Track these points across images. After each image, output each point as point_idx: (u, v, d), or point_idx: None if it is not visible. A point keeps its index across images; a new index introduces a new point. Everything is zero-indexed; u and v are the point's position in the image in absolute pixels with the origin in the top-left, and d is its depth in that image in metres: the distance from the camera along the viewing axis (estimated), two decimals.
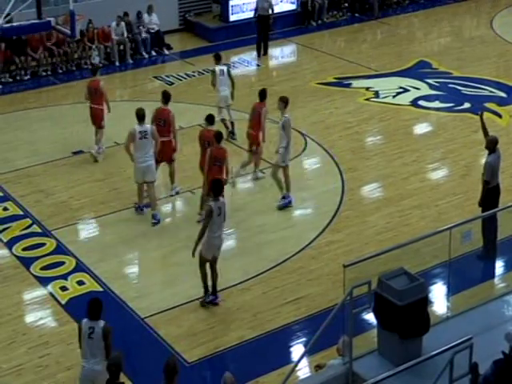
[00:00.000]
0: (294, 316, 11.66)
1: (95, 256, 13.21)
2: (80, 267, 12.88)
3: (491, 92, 19.46)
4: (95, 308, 9.55)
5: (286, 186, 14.65)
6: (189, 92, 20.16)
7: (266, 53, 22.77)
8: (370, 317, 10.55)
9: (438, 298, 11.83)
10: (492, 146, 12.64)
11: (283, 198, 14.65)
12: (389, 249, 10.73)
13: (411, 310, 9.57)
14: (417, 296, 9.74)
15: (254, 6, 23.11)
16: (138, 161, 13.85)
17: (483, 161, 15.42)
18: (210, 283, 11.92)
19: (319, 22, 24.93)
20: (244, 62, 22.58)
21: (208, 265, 11.83)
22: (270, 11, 22.44)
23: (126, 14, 22.25)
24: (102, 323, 9.48)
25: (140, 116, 13.82)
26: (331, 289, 11.82)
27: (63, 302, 12.06)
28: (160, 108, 14.88)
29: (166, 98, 14.78)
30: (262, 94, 15.30)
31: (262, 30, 22.44)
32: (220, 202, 11.64)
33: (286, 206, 14.61)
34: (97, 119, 16.17)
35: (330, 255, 13.01)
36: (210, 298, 11.94)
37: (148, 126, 13.85)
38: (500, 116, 18.00)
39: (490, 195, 12.72)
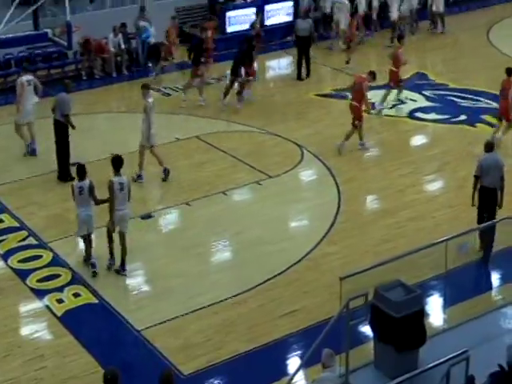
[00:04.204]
0: (290, 328, 11.61)
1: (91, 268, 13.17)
2: (76, 279, 12.84)
3: (487, 104, 19.49)
4: (82, 171, 12.59)
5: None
6: (186, 103, 20.12)
7: (308, 74, 21.78)
8: (366, 329, 10.54)
9: (435, 309, 11.83)
10: (485, 148, 13.25)
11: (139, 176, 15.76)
12: (385, 261, 10.73)
13: (408, 322, 9.57)
14: (413, 308, 9.74)
15: (251, 19, 23.28)
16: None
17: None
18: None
19: (316, 34, 24.89)
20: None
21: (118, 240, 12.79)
22: (310, 32, 21.78)
23: (123, 24, 22.25)
24: (87, 182, 12.54)
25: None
26: (328, 301, 11.78)
27: (59, 315, 12.00)
28: None
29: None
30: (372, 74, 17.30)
31: (303, 52, 21.62)
32: (122, 178, 12.56)
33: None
34: None
35: (327, 267, 12.99)
36: (116, 267, 12.91)
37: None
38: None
39: (480, 194, 13.10)
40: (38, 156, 17.00)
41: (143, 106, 15.65)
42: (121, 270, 13.03)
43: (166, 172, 15.95)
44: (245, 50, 19.76)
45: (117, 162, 12.67)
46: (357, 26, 23.43)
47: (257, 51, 20.73)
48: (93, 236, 13.14)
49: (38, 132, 17.26)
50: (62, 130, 15.95)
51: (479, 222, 13.19)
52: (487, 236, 12.98)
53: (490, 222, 12.88)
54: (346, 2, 24.24)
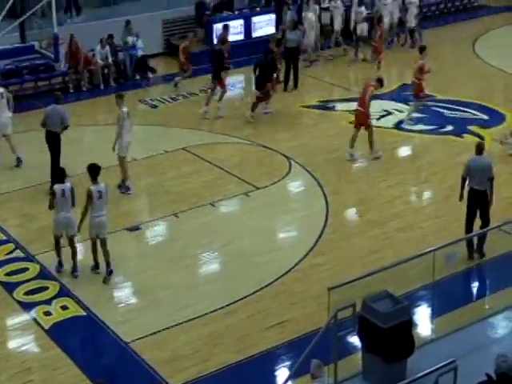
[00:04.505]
0: (278, 339, 11.59)
1: (79, 280, 13.13)
2: (64, 292, 12.79)
3: (474, 115, 19.58)
4: (61, 174, 13.03)
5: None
6: (173, 115, 20.18)
7: (296, 86, 21.72)
8: (354, 340, 10.54)
9: (423, 320, 11.85)
10: (476, 150, 13.51)
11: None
12: (373, 271, 10.75)
13: (395, 333, 9.58)
14: (401, 319, 9.76)
15: (240, 30, 23.37)
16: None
17: (466, 183, 15.60)
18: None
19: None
20: (228, 86, 22.59)
21: (99, 244, 13.00)
22: (298, 43, 21.92)
23: (110, 36, 22.25)
24: (68, 184, 12.92)
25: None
26: (316, 312, 11.78)
27: (47, 327, 11.95)
28: None
29: None
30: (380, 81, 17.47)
31: (291, 63, 21.61)
32: (100, 185, 12.77)
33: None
34: None
35: (315, 278, 12.99)
36: (107, 273, 13.05)
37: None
38: (483, 138, 18.06)
39: (469, 197, 13.40)
40: (28, 168, 16.95)
41: (117, 116, 15.71)
42: (107, 274, 13.10)
43: (125, 186, 15.95)
44: (269, 65, 19.79)
45: (93, 170, 12.90)
46: (381, 35, 23.31)
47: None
48: (76, 239, 13.26)
49: (29, 145, 17.25)
50: (56, 141, 15.99)
51: (467, 223, 13.38)
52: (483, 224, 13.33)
53: (479, 232, 13.03)
54: (340, 7, 24.49)
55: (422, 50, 19.52)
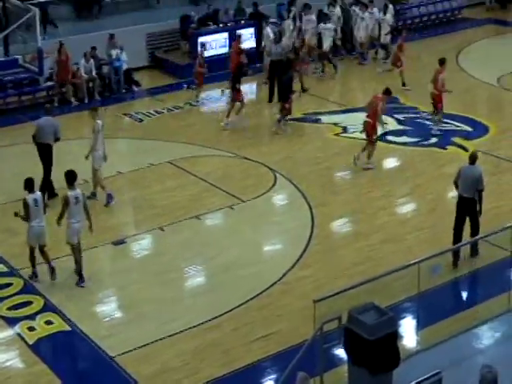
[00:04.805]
0: (264, 352, 11.56)
1: (63, 295, 13.07)
2: (48, 307, 12.72)
3: (457, 127, 19.67)
4: (31, 184, 13.04)
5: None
6: (158, 129, 20.18)
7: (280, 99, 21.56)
8: (340, 352, 10.53)
9: (408, 331, 11.86)
10: (469, 159, 13.66)
11: (93, 194, 16.00)
12: (359, 283, 10.78)
13: (381, 345, 9.57)
14: (387, 330, 9.75)
15: (224, 43, 23.47)
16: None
17: (451, 194, 15.71)
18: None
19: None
20: (212, 99, 22.67)
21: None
22: (283, 56, 21.85)
23: (93, 48, 22.23)
24: (39, 193, 13.20)
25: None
26: (302, 324, 11.73)
27: (31, 343, 11.87)
28: None
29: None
30: (387, 91, 17.62)
31: (275, 75, 21.46)
32: (77, 191, 12.96)
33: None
34: None
35: (301, 290, 12.98)
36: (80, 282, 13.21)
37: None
38: (466, 150, 18.13)
39: (457, 203, 13.60)
40: (11, 182, 16.87)
41: (92, 127, 15.83)
42: (80, 283, 13.28)
43: (94, 195, 16.06)
44: (290, 76, 19.95)
45: (70, 176, 13.09)
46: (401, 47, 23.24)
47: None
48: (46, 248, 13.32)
49: (12, 159, 17.18)
50: (49, 152, 16.07)
51: (456, 230, 13.51)
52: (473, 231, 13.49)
53: (464, 243, 13.12)
54: (330, 27, 24.57)
55: (443, 62, 19.49)
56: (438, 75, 19.17)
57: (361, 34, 25.12)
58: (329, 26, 24.39)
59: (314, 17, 24.90)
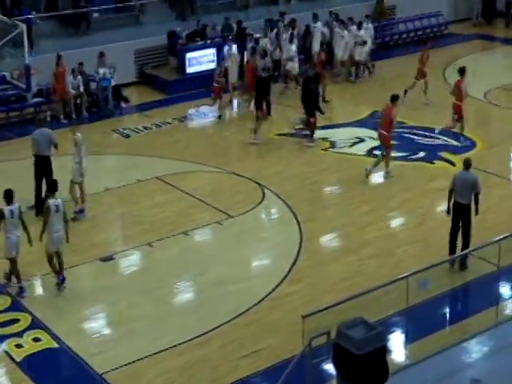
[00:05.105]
0: (253, 368, 11.54)
1: (51, 312, 13.02)
2: (36, 324, 12.66)
3: (445, 141, 19.74)
4: (10, 195, 13.10)
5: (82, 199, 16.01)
6: (146, 145, 20.17)
7: (269, 114, 21.65)
8: (329, 367, 10.49)
9: (397, 346, 11.86)
10: (463, 164, 14.04)
11: (80, 211, 15.94)
12: (347, 298, 10.77)
13: (370, 360, 9.54)
14: (375, 345, 9.72)
15: (212, 58, 23.66)
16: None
17: (439, 209, 15.77)
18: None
19: (276, 73, 25.08)
20: (201, 114, 22.70)
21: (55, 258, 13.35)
22: (269, 72, 21.98)
23: (80, 64, 22.23)
24: (16, 205, 13.17)
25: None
26: (290, 340, 11.71)
27: (18, 360, 11.80)
28: None
29: None
30: (394, 98, 17.72)
31: (262, 92, 21.38)
32: (57, 200, 13.29)
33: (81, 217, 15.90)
34: None
35: (289, 306, 12.96)
36: (59, 280, 13.43)
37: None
38: (454, 164, 18.26)
39: (453, 209, 13.86)
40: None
41: (74, 141, 15.93)
42: (61, 283, 13.48)
43: (82, 212, 16.08)
44: (318, 91, 20.23)
45: (51, 186, 13.73)
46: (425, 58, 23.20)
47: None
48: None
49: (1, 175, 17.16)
50: (47, 164, 16.15)
51: (451, 235, 13.82)
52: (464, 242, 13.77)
53: (458, 254, 13.22)
54: (319, 27, 24.95)
55: (463, 71, 19.57)
56: (458, 85, 19.33)
57: (341, 52, 25.11)
58: (293, 47, 24.29)
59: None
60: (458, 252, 13.71)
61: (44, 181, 16.12)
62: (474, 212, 13.79)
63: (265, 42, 24.44)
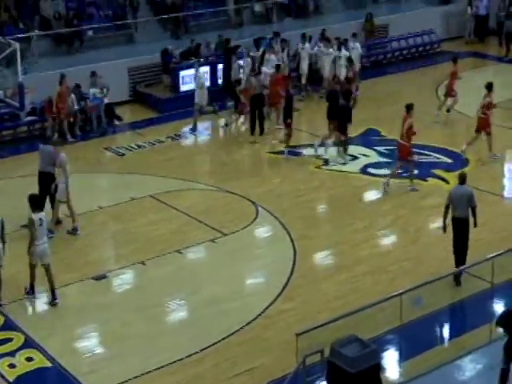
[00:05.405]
0: None
1: (44, 331, 12.96)
2: (29, 343, 12.59)
3: (438, 158, 19.78)
4: None
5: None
6: (140, 163, 20.17)
7: (262, 132, 21.77)
8: None
9: (391, 363, 11.83)
10: (458, 179, 14.21)
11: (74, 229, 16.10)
12: (341, 316, 10.77)
13: (364, 377, 9.55)
14: (369, 363, 9.75)
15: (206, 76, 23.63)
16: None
17: (432, 226, 15.80)
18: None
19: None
20: (194, 132, 22.72)
21: (44, 271, 13.57)
22: (263, 89, 22.05)
23: (77, 86, 22.28)
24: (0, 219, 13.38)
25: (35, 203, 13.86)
26: (284, 357, 11.66)
27: (11, 380, 11.73)
28: None
29: None
30: (409, 107, 17.90)
31: (256, 109, 21.68)
32: (40, 213, 13.51)
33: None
34: None
35: (283, 324, 12.93)
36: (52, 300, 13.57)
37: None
38: (447, 182, 18.29)
39: (453, 225, 13.96)
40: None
41: (59, 162, 15.88)
42: (53, 301, 13.57)
43: (75, 230, 16.08)
44: (350, 107, 20.30)
45: (34, 201, 13.74)
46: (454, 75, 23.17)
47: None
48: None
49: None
50: (48, 181, 16.15)
51: (455, 250, 13.90)
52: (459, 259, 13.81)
53: (454, 271, 13.24)
54: (307, 48, 25.00)
55: (491, 86, 19.70)
56: (486, 99, 19.51)
57: (326, 70, 25.11)
58: (265, 69, 23.82)
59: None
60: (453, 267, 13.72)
61: (48, 198, 16.11)
62: (473, 225, 13.89)
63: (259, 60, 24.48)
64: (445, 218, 13.95)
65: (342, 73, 24.41)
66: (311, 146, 20.75)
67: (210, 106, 22.85)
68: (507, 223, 16.32)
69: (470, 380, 10.74)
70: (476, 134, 19.69)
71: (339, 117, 19.87)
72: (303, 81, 25.38)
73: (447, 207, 13.94)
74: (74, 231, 16.04)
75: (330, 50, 25.14)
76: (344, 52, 24.94)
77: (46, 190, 16.12)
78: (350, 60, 24.19)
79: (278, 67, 22.70)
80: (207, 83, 24.09)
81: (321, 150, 20.28)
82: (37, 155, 16.96)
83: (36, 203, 13.76)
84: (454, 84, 22.81)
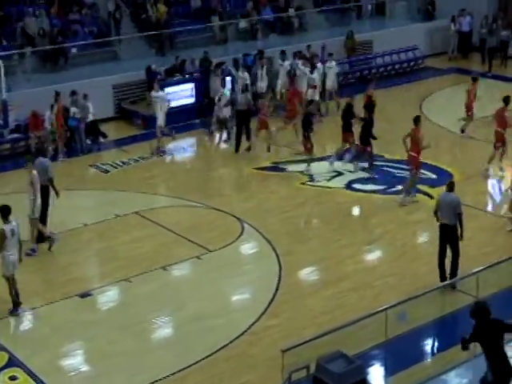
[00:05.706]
0: None
1: (29, 349, 12.87)
2: (13, 362, 12.49)
3: (423, 174, 19.84)
4: None
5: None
6: (124, 180, 20.15)
7: (249, 148, 21.79)
8: None
9: (377, 379, 11.82)
10: (446, 187, 14.55)
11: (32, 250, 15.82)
12: (326, 332, 10.77)
13: None
14: (355, 378, 9.76)
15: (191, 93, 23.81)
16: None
17: (418, 241, 15.86)
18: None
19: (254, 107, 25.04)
20: (180, 149, 22.75)
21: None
22: (249, 106, 22.06)
23: (66, 109, 22.17)
24: None
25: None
26: (270, 374, 11.61)
27: None
28: None
29: None
30: (417, 119, 18.16)
31: (242, 125, 21.73)
32: (12, 224, 13.49)
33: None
34: None
35: (269, 340, 12.90)
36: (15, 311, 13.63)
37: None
38: (432, 197, 18.35)
39: (440, 231, 14.19)
40: None
41: (29, 178, 15.75)
42: (14, 311, 13.71)
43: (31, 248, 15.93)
44: (372, 120, 20.60)
45: (4, 211, 13.64)
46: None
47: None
48: None
49: None
50: (46, 194, 16.11)
51: (440, 257, 14.12)
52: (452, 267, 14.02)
53: (448, 282, 13.42)
54: (286, 65, 25.13)
55: (508, 100, 19.83)
56: (502, 113, 19.61)
57: (305, 88, 25.07)
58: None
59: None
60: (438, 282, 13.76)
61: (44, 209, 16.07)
62: (459, 236, 14.03)
63: (245, 76, 24.56)
64: (438, 221, 14.24)
65: (314, 96, 24.44)
66: (297, 162, 20.81)
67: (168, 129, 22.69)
68: (491, 238, 16.40)
69: None
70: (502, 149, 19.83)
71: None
72: (278, 97, 25.41)
73: (436, 213, 14.21)
74: (32, 251, 15.88)
75: (307, 69, 25.10)
76: (315, 75, 24.92)
77: (47, 203, 16.12)
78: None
79: (293, 76, 22.87)
80: (192, 100, 24.16)
81: (337, 164, 20.48)
82: (21, 172, 16.91)
83: (6, 214, 13.63)
84: (472, 103, 22.81)
